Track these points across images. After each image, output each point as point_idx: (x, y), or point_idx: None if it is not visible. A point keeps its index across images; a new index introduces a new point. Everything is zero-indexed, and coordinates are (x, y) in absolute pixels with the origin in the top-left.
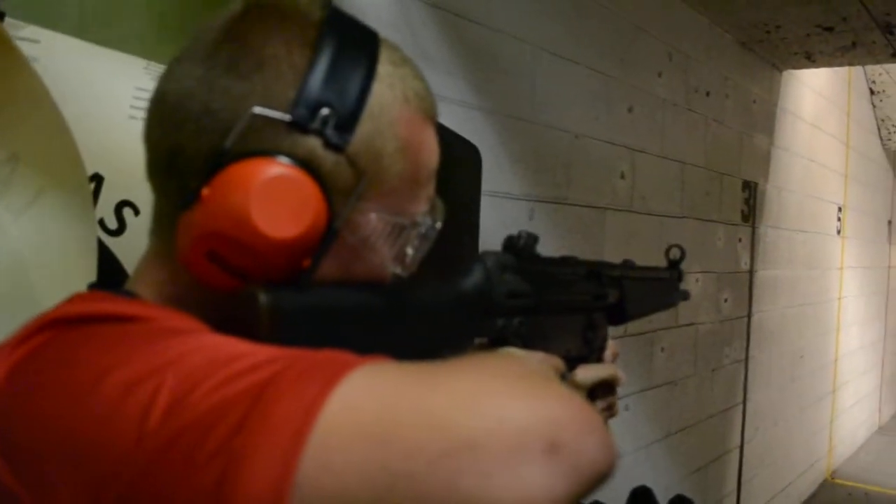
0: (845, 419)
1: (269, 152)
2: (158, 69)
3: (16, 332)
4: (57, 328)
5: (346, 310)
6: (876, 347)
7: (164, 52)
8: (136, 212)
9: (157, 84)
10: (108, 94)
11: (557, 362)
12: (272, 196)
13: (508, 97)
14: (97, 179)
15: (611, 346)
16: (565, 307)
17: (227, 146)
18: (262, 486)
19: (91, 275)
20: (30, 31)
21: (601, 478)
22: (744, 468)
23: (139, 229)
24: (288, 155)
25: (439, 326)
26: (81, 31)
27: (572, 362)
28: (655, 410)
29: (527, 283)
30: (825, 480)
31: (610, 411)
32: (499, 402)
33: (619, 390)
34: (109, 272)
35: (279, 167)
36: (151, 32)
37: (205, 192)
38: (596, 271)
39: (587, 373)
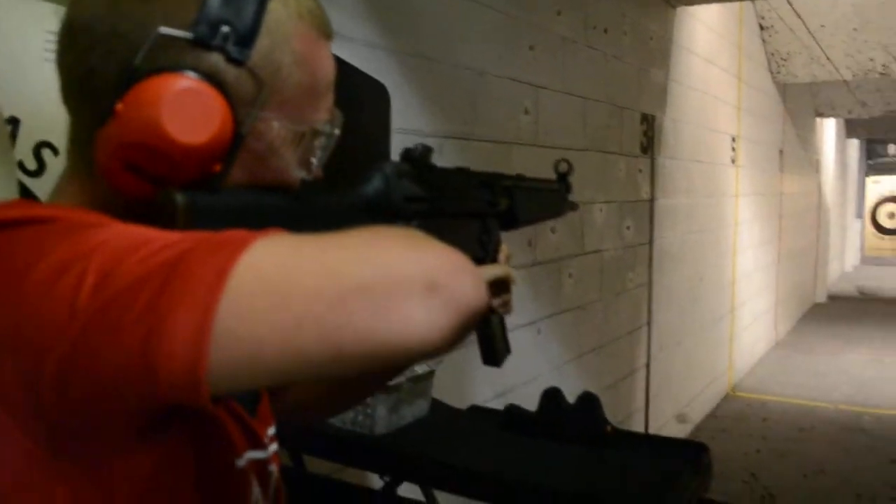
0: (744, 337)
1: (175, 68)
2: None
3: None
4: None
5: (255, 210)
6: (770, 269)
7: None
8: (56, 152)
9: (65, 12)
10: (19, 40)
11: None
12: (181, 106)
13: (413, 37)
14: (14, 122)
15: (503, 249)
16: (460, 212)
17: (137, 64)
18: (184, 336)
19: None
20: None
21: (475, 312)
22: (651, 385)
23: (59, 169)
24: (193, 69)
25: (343, 227)
26: None
27: None
28: (566, 333)
29: (424, 189)
30: (727, 394)
31: (505, 308)
32: (385, 254)
33: (531, 314)
34: None
35: (186, 80)
36: None
37: (119, 107)
38: (488, 181)
39: (484, 272)
